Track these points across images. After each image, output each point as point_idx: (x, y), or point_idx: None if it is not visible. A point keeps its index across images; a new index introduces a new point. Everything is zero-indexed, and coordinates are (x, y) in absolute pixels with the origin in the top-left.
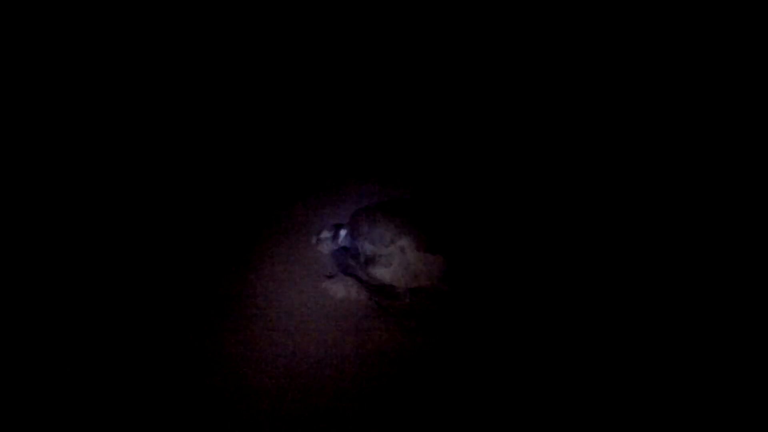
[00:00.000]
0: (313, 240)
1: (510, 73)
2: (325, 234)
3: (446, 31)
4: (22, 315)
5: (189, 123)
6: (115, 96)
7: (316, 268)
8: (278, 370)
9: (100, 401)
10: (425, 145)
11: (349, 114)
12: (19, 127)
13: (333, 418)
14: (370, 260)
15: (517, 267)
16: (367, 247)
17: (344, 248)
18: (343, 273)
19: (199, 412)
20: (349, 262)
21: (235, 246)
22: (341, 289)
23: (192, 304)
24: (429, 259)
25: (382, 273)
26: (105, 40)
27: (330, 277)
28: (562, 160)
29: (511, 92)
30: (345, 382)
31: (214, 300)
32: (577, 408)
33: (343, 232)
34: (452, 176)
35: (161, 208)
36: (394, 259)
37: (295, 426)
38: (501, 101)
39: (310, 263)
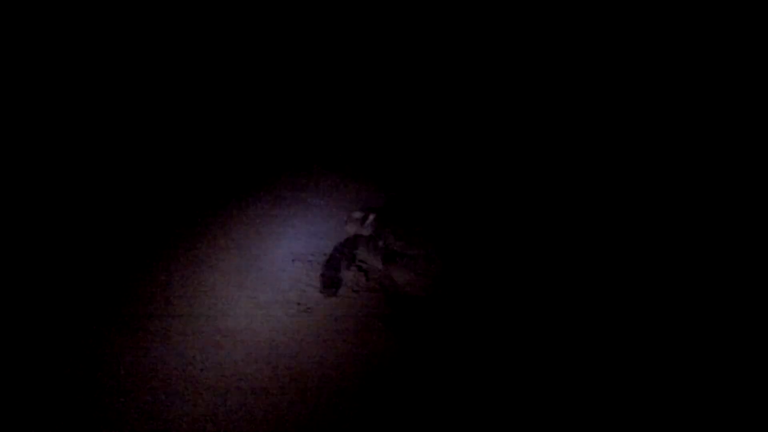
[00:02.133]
0: (344, 219)
1: (517, 71)
2: (356, 214)
3: (447, 29)
4: None
5: (174, 119)
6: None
7: (316, 265)
8: (279, 370)
9: (91, 406)
10: (432, 140)
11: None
12: None
13: (333, 418)
14: (391, 257)
15: (540, 288)
16: (392, 243)
17: (360, 236)
18: (348, 262)
19: (199, 412)
20: (361, 251)
21: (233, 245)
22: (343, 283)
23: (190, 303)
24: (453, 272)
25: (400, 274)
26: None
27: (333, 267)
28: (573, 163)
29: (516, 91)
30: (345, 381)
31: (213, 300)
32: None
33: (371, 217)
34: (466, 175)
35: (140, 200)
36: (419, 262)
37: (295, 426)
38: (505, 100)
39: (308, 258)
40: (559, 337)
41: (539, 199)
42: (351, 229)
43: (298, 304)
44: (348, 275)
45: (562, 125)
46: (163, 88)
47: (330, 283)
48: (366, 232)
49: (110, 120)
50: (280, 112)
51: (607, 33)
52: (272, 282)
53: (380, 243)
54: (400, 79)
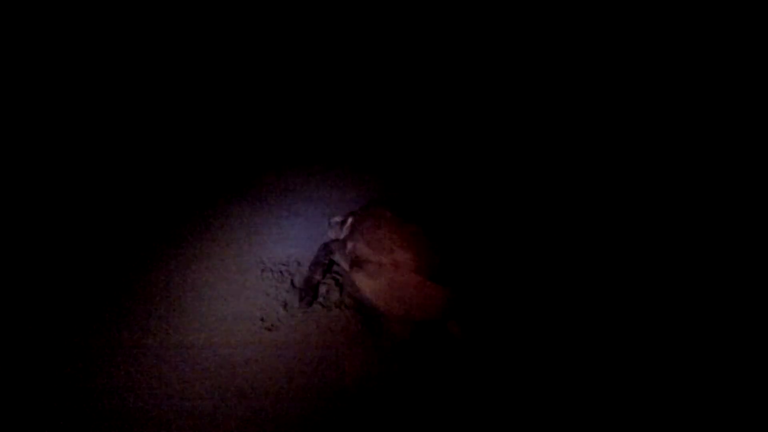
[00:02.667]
0: (326, 223)
1: (524, 71)
2: (336, 219)
3: (449, 28)
4: None
5: (176, 118)
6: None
7: (287, 275)
8: (278, 370)
9: (93, 403)
10: (435, 140)
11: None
12: None
13: (333, 418)
14: (357, 264)
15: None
16: (360, 248)
17: (337, 241)
18: (322, 270)
19: (199, 413)
20: (335, 258)
21: (233, 244)
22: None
23: (190, 303)
24: (426, 288)
25: (364, 284)
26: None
27: (306, 279)
28: (578, 167)
29: (523, 91)
30: (345, 381)
31: (213, 300)
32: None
33: (349, 221)
34: (468, 177)
35: (149, 202)
36: (383, 272)
37: (295, 426)
38: (512, 101)
39: (279, 269)
40: (538, 349)
41: (530, 207)
42: (331, 234)
43: (262, 320)
44: (322, 288)
45: (560, 127)
46: (162, 87)
47: (302, 295)
48: (343, 236)
49: (107, 120)
50: (280, 110)
51: (607, 33)
52: (238, 295)
53: (349, 247)
54: (401, 81)
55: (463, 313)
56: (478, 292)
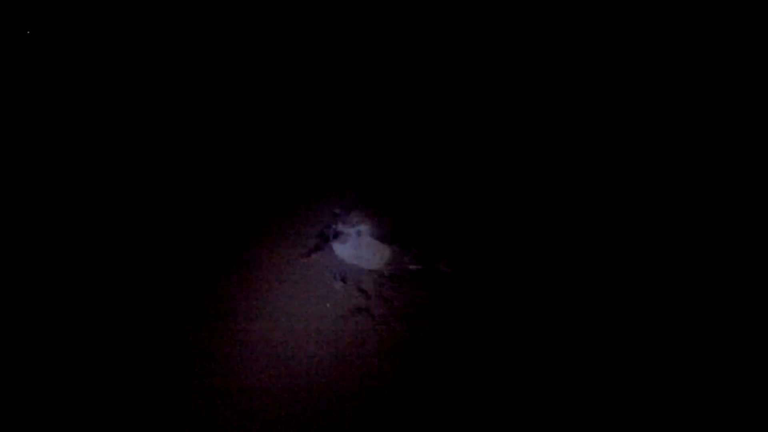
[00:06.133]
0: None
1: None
2: (336, 210)
3: (440, 30)
4: (17, 315)
5: (184, 123)
6: (108, 94)
7: (316, 267)
8: (278, 370)
9: (98, 401)
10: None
11: (347, 116)
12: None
13: (333, 418)
14: (336, 235)
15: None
16: (339, 226)
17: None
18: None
19: (199, 412)
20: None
21: (233, 246)
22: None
23: (191, 304)
24: (378, 247)
25: (337, 246)
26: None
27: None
28: (565, 166)
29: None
30: (345, 381)
31: (214, 300)
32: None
33: (340, 212)
34: (438, 173)
35: (158, 208)
36: (350, 238)
37: (295, 426)
38: (494, 102)
39: (309, 262)
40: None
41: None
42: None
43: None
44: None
45: (560, 129)
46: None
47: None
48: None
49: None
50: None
51: (607, 33)
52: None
53: (333, 227)
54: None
55: (452, 256)
56: (423, 249)
